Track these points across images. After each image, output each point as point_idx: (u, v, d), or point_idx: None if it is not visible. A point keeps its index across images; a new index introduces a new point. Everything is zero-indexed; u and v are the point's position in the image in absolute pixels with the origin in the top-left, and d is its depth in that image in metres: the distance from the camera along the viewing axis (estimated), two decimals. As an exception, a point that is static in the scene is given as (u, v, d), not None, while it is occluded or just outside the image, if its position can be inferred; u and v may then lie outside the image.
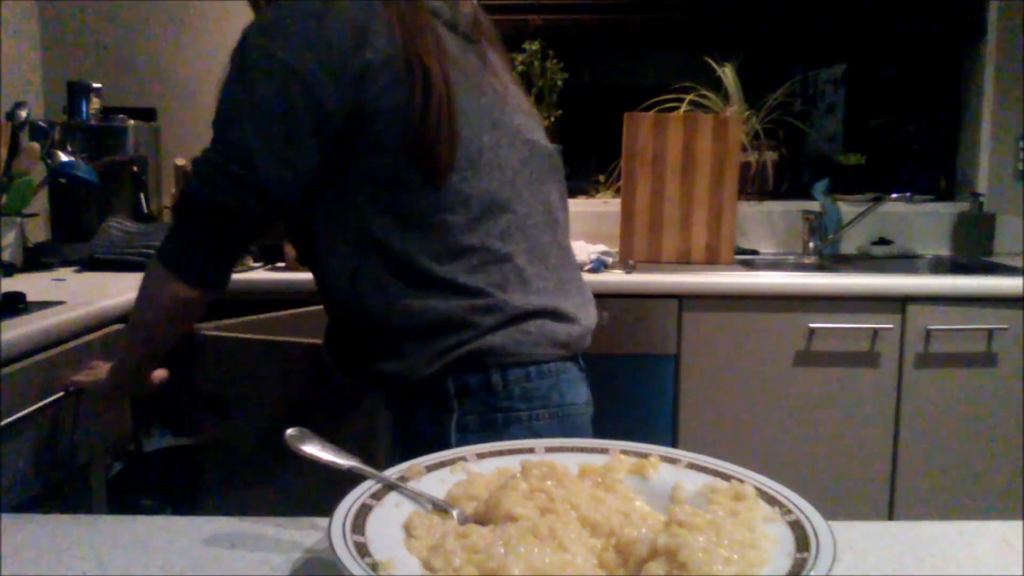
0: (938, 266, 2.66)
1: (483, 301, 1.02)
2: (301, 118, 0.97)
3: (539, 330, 1.05)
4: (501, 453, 0.73)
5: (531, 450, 0.74)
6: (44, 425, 1.42)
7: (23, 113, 2.13)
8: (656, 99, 2.71)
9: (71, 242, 2.31)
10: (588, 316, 1.15)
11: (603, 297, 2.13)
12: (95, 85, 2.53)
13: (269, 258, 2.31)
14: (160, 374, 1.29)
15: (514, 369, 1.03)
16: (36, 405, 1.36)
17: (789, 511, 0.61)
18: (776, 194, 2.84)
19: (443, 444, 0.92)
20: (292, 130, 0.97)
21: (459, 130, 1.01)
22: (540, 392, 1.05)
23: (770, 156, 2.80)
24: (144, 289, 1.10)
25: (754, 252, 2.71)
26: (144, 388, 1.27)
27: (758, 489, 0.64)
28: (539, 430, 1.04)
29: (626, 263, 2.32)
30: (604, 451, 0.73)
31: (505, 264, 1.04)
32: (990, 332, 2.12)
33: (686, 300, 2.14)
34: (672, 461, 0.71)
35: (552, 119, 2.79)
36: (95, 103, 2.52)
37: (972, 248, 2.70)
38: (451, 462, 0.71)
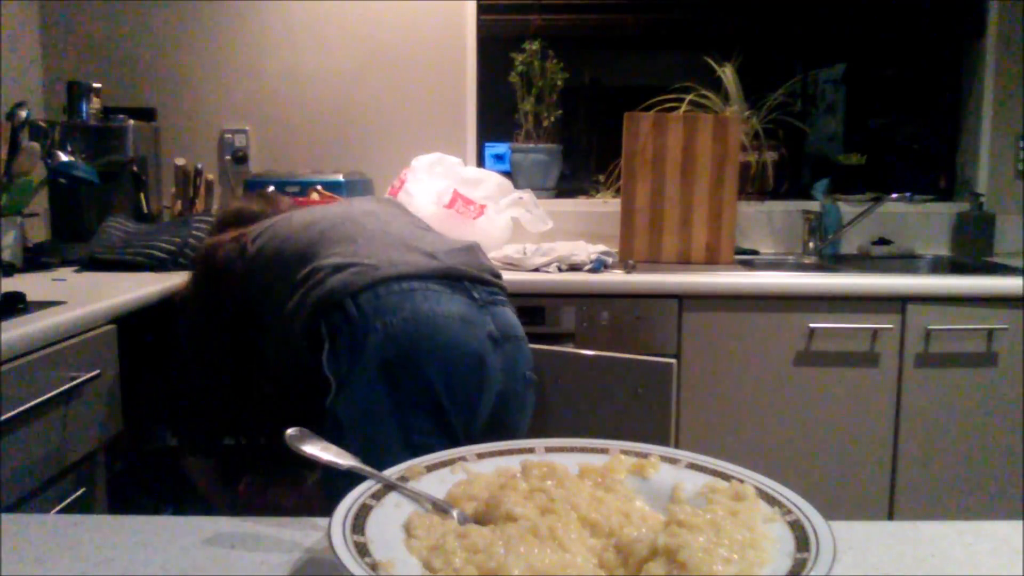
0: (938, 266, 2.66)
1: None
2: None
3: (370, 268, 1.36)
4: (501, 453, 0.73)
5: (531, 450, 0.74)
6: (44, 425, 1.42)
7: (23, 113, 2.13)
8: (656, 99, 2.71)
9: (71, 242, 2.31)
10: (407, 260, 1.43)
11: (603, 297, 2.14)
12: (95, 85, 2.53)
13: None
14: None
15: (362, 292, 1.32)
16: (35, 402, 1.36)
17: (789, 511, 0.61)
18: (776, 194, 2.84)
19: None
20: None
21: None
22: (391, 303, 1.31)
23: (770, 156, 2.80)
24: None
25: (754, 252, 2.71)
26: None
27: (758, 489, 0.64)
28: (395, 334, 1.29)
29: (626, 263, 2.32)
30: (604, 451, 0.73)
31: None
32: (990, 332, 2.12)
33: (686, 300, 2.14)
34: (672, 461, 0.71)
35: (552, 119, 2.79)
36: (95, 103, 2.52)
37: (972, 248, 2.70)
38: (451, 462, 0.71)
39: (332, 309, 1.33)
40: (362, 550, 0.55)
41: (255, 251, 1.51)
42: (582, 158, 3.07)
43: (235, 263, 1.54)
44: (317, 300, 1.34)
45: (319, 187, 2.35)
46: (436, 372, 1.29)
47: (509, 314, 1.47)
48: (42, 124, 2.27)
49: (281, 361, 1.50)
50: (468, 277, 1.42)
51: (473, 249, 1.53)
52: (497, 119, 2.86)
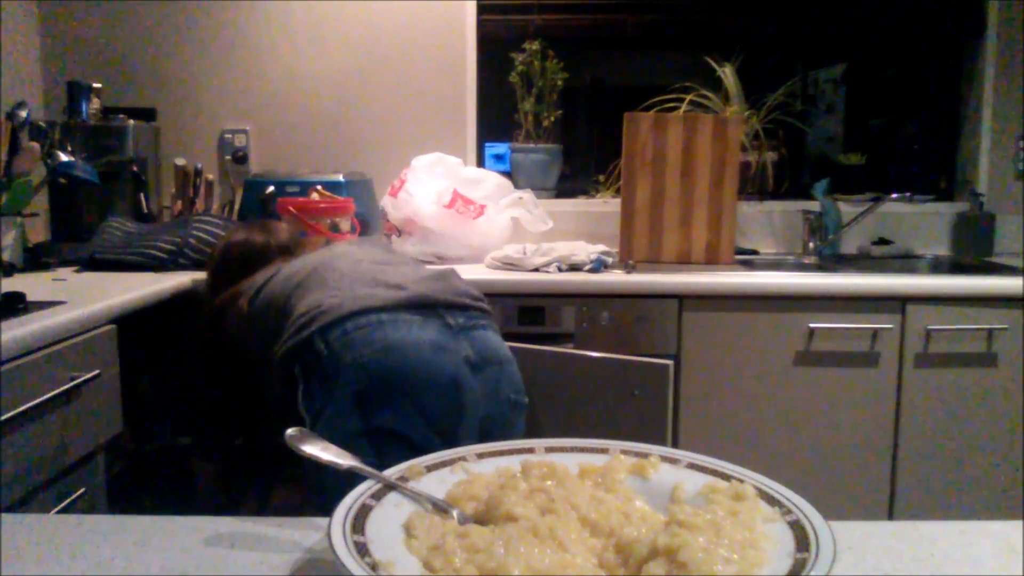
0: (938, 266, 2.66)
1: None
2: None
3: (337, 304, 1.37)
4: (501, 453, 0.73)
5: (531, 450, 0.74)
6: (44, 425, 1.42)
7: (23, 113, 2.13)
8: (656, 99, 2.71)
9: (71, 242, 2.32)
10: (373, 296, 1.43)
11: (603, 297, 2.14)
12: (95, 85, 2.53)
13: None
14: None
15: (331, 329, 1.32)
16: (35, 402, 1.36)
17: (789, 511, 0.61)
18: (776, 194, 2.84)
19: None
20: None
21: None
22: (361, 336, 1.31)
23: (770, 156, 2.80)
24: None
25: (754, 252, 2.71)
26: None
27: (758, 489, 0.64)
28: (365, 364, 1.29)
29: (626, 263, 2.32)
30: (604, 451, 0.73)
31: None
32: (990, 332, 2.12)
33: (686, 300, 2.14)
34: (672, 461, 0.71)
35: (552, 119, 2.79)
36: (95, 103, 2.52)
37: (972, 248, 2.70)
38: (451, 462, 0.71)
39: (304, 351, 1.34)
40: (362, 550, 0.55)
41: (249, 312, 1.54)
42: (582, 158, 3.06)
43: (238, 327, 1.58)
44: (290, 346, 1.35)
45: (319, 187, 2.34)
46: (408, 400, 1.29)
47: (491, 337, 1.45)
48: (42, 124, 2.27)
49: (273, 413, 1.50)
50: (441, 303, 1.41)
51: (447, 275, 1.53)
52: (497, 119, 2.86)
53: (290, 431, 0.72)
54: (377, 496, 0.64)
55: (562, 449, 0.74)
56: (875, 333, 2.13)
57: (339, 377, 1.28)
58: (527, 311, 2.14)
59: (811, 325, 2.12)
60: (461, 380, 1.34)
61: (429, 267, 1.63)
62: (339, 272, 1.48)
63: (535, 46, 2.73)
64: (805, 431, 2.16)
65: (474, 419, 1.36)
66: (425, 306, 1.40)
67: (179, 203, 2.61)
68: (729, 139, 2.44)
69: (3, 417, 1.28)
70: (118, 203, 2.45)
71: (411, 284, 1.45)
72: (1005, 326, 2.11)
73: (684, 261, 2.46)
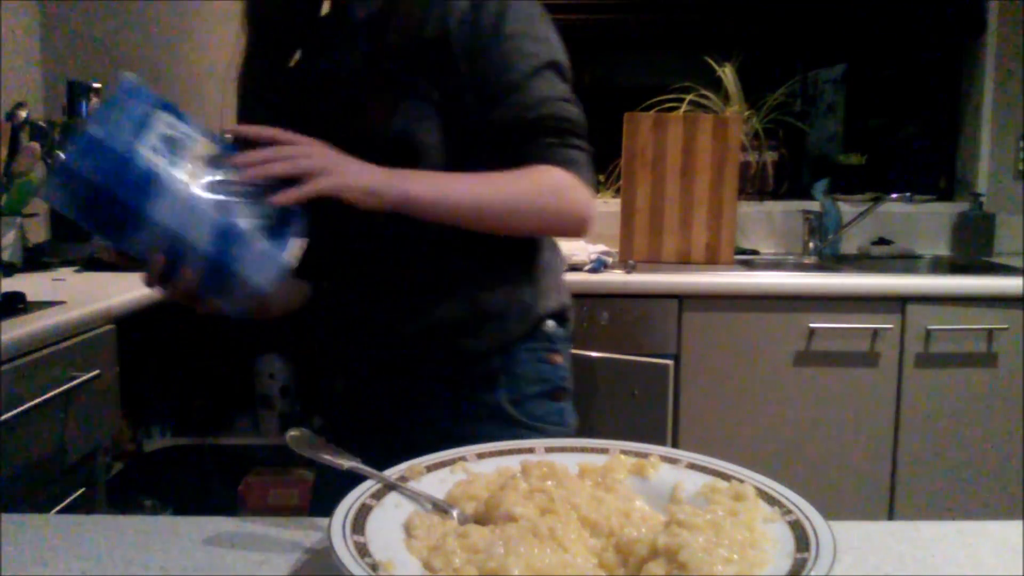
0: (938, 266, 2.66)
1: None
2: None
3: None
4: (501, 453, 0.73)
5: (531, 450, 0.74)
6: (44, 425, 1.42)
7: (23, 113, 2.13)
8: (656, 99, 2.70)
9: (71, 242, 2.31)
10: None
11: (603, 297, 2.14)
12: (95, 85, 2.53)
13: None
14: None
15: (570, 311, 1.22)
16: (35, 402, 1.36)
17: (789, 511, 0.61)
18: (776, 194, 2.84)
19: (559, 378, 1.14)
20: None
21: None
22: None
23: (770, 156, 2.80)
24: (546, 184, 1.03)
25: (754, 252, 2.71)
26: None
27: (758, 489, 0.64)
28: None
29: (626, 263, 2.32)
30: (604, 451, 0.73)
31: None
32: (990, 332, 2.12)
33: (686, 300, 2.14)
34: (672, 461, 0.71)
35: (552, 119, 2.79)
36: (95, 103, 2.52)
37: (972, 248, 2.70)
38: (451, 462, 0.71)
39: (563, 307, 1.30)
40: (362, 550, 0.55)
41: None
42: (582, 158, 3.06)
43: None
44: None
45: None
46: None
47: None
48: (42, 124, 2.27)
49: None
50: None
51: None
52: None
53: (291, 431, 0.72)
54: (377, 496, 0.64)
55: (562, 449, 0.74)
56: (875, 333, 2.13)
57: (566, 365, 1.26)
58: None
59: (811, 325, 2.12)
60: None
61: None
62: None
63: (535, 46, 2.73)
64: (805, 431, 2.16)
65: None
66: None
67: (179, 203, 2.61)
68: (729, 139, 2.44)
69: (3, 417, 1.28)
70: (118, 203, 2.45)
71: None
72: (1005, 326, 2.11)
73: (684, 261, 2.46)
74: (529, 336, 1.12)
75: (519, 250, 1.11)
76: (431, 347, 1.09)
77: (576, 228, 1.08)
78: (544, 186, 1.03)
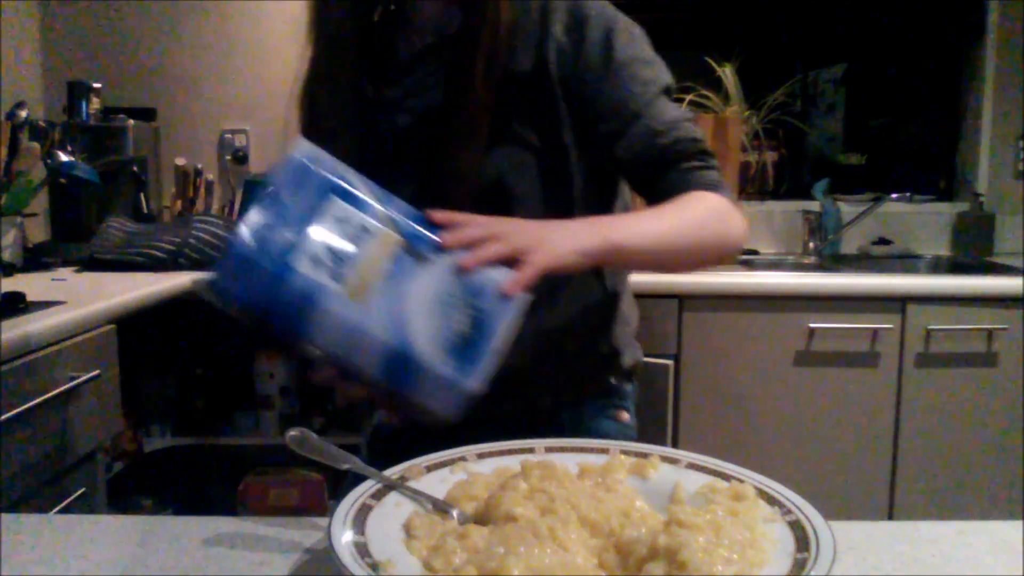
0: (938, 266, 2.66)
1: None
2: None
3: None
4: (501, 453, 0.73)
5: (531, 450, 0.74)
6: (44, 425, 1.42)
7: (23, 113, 2.13)
8: (656, 99, 2.70)
9: (71, 242, 2.31)
10: None
11: (603, 297, 2.14)
12: (95, 85, 2.53)
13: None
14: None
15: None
16: (35, 402, 1.36)
17: (789, 511, 0.61)
18: (776, 194, 2.84)
19: (625, 437, 1.06)
20: None
21: None
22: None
23: (770, 156, 2.80)
24: (711, 209, 0.95)
25: (754, 252, 2.71)
26: None
27: (758, 489, 0.64)
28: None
29: (626, 263, 2.31)
30: (604, 451, 0.73)
31: None
32: (990, 332, 2.12)
33: (686, 300, 2.14)
34: (672, 461, 0.71)
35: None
36: (95, 103, 2.52)
37: (972, 248, 2.70)
38: (451, 462, 0.71)
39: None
40: (362, 550, 0.55)
41: None
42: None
43: None
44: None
45: (319, 187, 2.34)
46: None
47: None
48: (42, 124, 2.27)
49: None
50: None
51: None
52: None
53: (291, 432, 0.72)
54: (377, 496, 0.64)
55: (562, 449, 0.74)
56: (875, 333, 2.13)
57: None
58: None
59: (811, 325, 2.12)
60: None
61: None
62: None
63: (535, 46, 2.72)
64: (805, 431, 2.16)
65: None
66: None
67: (179, 203, 2.61)
68: (729, 139, 2.44)
69: (3, 417, 1.28)
70: (118, 203, 2.45)
71: None
72: (1005, 326, 2.11)
73: (684, 261, 2.46)
74: (601, 392, 1.08)
75: (600, 300, 1.05)
76: (502, 399, 0.96)
77: (736, 252, 1.02)
78: (710, 212, 0.95)
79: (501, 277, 0.72)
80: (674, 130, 0.96)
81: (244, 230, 0.69)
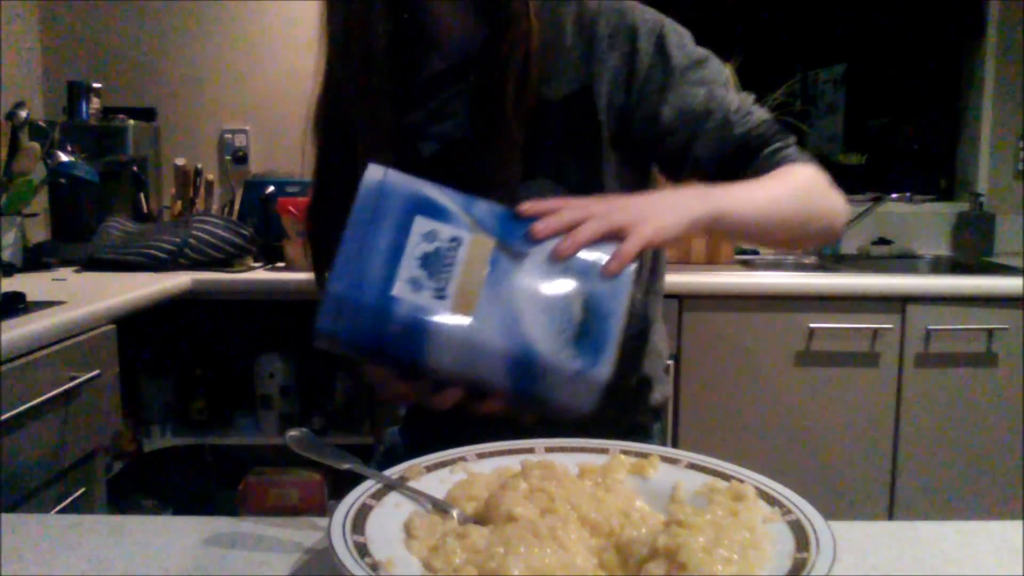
0: (938, 266, 2.66)
1: None
2: None
3: None
4: (501, 453, 0.73)
5: (531, 450, 0.74)
6: (44, 425, 1.42)
7: (23, 113, 2.13)
8: (656, 99, 2.70)
9: (71, 242, 2.31)
10: None
11: (603, 297, 2.14)
12: (95, 85, 2.53)
13: (269, 258, 2.32)
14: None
15: None
16: (35, 402, 1.36)
17: (789, 511, 0.60)
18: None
19: None
20: None
21: None
22: None
23: (770, 156, 2.79)
24: (808, 178, 0.91)
25: (754, 252, 2.71)
26: None
27: (758, 489, 0.64)
28: None
29: (626, 263, 2.31)
30: (604, 451, 0.73)
31: None
32: (990, 332, 2.12)
33: (686, 300, 2.14)
34: (672, 461, 0.71)
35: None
36: (95, 103, 2.52)
37: (972, 248, 2.70)
38: (451, 462, 0.71)
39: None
40: (362, 550, 0.55)
41: None
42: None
43: None
44: None
45: (319, 187, 2.34)
46: None
47: None
48: (42, 124, 2.27)
49: None
50: None
51: None
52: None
53: (291, 432, 0.72)
54: (377, 496, 0.64)
55: (562, 449, 0.74)
56: (875, 333, 2.13)
57: None
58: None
59: (811, 325, 2.12)
60: None
61: None
62: None
63: (535, 46, 2.72)
64: (805, 431, 2.16)
65: None
66: None
67: (179, 203, 2.61)
68: (729, 139, 2.44)
69: (3, 417, 1.28)
70: (118, 203, 2.45)
71: None
72: (1005, 326, 2.11)
73: (684, 261, 2.46)
74: (626, 432, 1.01)
75: (632, 331, 0.97)
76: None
77: (841, 224, 0.95)
78: (812, 182, 0.91)
79: (604, 256, 0.69)
80: (748, 115, 0.93)
81: (337, 271, 0.68)
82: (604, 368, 0.67)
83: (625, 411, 1.00)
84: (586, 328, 0.68)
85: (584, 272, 0.69)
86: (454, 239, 0.69)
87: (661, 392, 1.04)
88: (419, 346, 0.67)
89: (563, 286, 0.68)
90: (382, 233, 0.69)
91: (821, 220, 0.92)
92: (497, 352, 0.67)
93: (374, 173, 0.72)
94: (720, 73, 0.95)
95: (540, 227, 0.69)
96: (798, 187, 0.89)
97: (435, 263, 0.68)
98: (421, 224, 0.70)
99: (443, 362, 0.68)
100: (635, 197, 0.78)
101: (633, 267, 0.69)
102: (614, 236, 0.69)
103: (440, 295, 0.67)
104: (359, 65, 0.90)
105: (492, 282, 0.68)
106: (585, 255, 0.69)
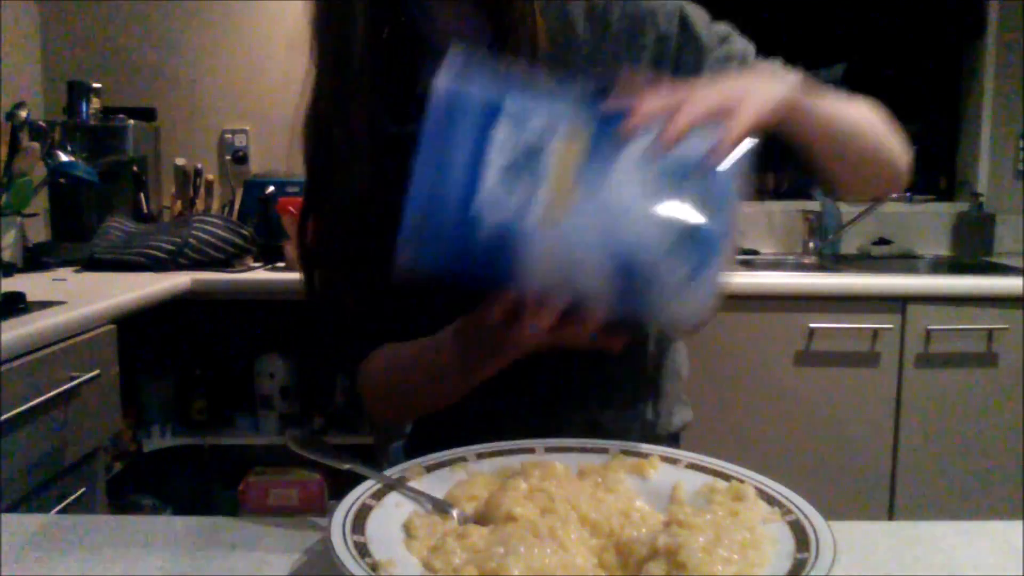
0: (938, 266, 2.66)
1: None
2: None
3: None
4: (501, 453, 0.73)
5: (531, 450, 0.74)
6: (44, 425, 1.42)
7: (23, 113, 2.13)
8: (656, 99, 2.70)
9: (71, 242, 2.32)
10: None
11: (603, 297, 2.14)
12: (95, 85, 2.53)
13: (269, 258, 2.32)
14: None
15: None
16: (35, 402, 1.36)
17: (789, 511, 0.60)
18: (776, 194, 2.84)
19: None
20: None
21: None
22: None
23: (770, 156, 2.79)
24: (879, 116, 0.89)
25: (754, 252, 2.71)
26: None
27: (758, 489, 0.64)
28: None
29: (626, 263, 2.31)
30: (604, 451, 0.73)
31: None
32: (990, 332, 2.12)
33: (686, 300, 2.13)
34: (672, 461, 0.71)
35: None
36: (95, 103, 2.52)
37: (972, 248, 2.70)
38: (451, 462, 0.71)
39: None
40: (362, 550, 0.55)
41: None
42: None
43: None
44: None
45: (319, 187, 2.34)
46: None
47: None
48: (42, 124, 2.27)
49: None
50: None
51: None
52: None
53: (291, 431, 0.72)
54: (377, 496, 0.64)
55: (562, 449, 0.74)
56: (875, 333, 2.13)
57: None
58: (527, 311, 2.14)
59: (811, 325, 2.12)
60: None
61: None
62: None
63: (535, 46, 2.72)
64: (805, 431, 2.16)
65: None
66: None
67: (179, 203, 2.61)
68: (729, 139, 2.44)
69: (3, 417, 1.28)
70: (118, 203, 2.45)
71: None
72: (1005, 326, 2.11)
73: (684, 261, 2.46)
74: None
75: (645, 354, 0.94)
76: None
77: (906, 164, 0.90)
78: (879, 118, 0.86)
79: (708, 144, 0.60)
80: (788, 71, 0.87)
81: (413, 194, 0.60)
82: (716, 269, 0.59)
83: (645, 437, 0.91)
84: (694, 226, 0.59)
85: (687, 164, 0.61)
86: (541, 140, 0.61)
87: (680, 417, 1.00)
88: (512, 260, 0.60)
89: (664, 183, 0.60)
90: (458, 145, 0.61)
91: (891, 151, 0.87)
92: (597, 259, 0.59)
93: (446, 77, 0.63)
94: (746, 47, 0.93)
95: (633, 121, 0.62)
96: (869, 114, 0.87)
97: (520, 169, 0.60)
98: (501, 129, 0.61)
99: (539, 275, 0.61)
100: (729, 78, 0.72)
101: (745, 148, 0.62)
102: (713, 120, 0.62)
103: (529, 202, 0.60)
104: (336, 72, 0.83)
105: (587, 183, 0.60)
106: (685, 145, 0.61)
